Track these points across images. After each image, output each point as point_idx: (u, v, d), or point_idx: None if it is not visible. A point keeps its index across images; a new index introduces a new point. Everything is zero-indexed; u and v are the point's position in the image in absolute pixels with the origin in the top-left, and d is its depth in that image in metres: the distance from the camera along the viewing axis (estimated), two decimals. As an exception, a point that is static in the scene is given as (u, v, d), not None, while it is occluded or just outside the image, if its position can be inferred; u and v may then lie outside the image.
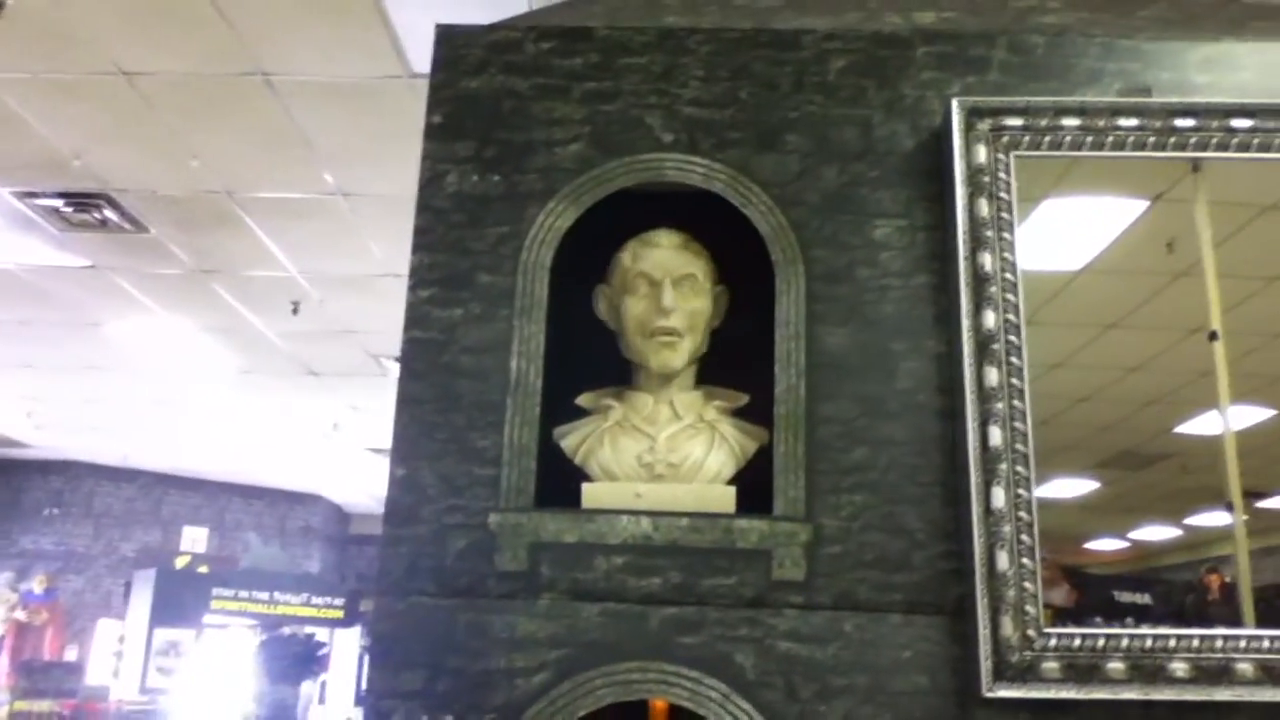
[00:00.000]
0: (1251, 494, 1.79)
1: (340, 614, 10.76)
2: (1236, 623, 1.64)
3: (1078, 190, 1.92)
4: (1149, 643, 1.57)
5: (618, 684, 1.58)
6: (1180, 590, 1.89)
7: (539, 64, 1.89)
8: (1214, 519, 1.82)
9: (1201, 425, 1.85)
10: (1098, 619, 1.66)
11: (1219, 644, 1.57)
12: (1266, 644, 1.57)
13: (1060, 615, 1.65)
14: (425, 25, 2.03)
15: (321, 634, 9.68)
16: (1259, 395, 1.81)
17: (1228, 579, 1.78)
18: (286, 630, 8.71)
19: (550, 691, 1.58)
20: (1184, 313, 1.89)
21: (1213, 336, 1.84)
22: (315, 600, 10.64)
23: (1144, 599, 1.85)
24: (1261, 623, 1.64)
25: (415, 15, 4.21)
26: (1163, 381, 2.00)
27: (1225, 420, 1.80)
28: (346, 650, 10.66)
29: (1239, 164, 1.81)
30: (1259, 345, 1.86)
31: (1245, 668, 1.56)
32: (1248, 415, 1.79)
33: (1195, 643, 1.57)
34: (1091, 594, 1.83)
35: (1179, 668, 1.56)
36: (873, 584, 1.63)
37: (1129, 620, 1.65)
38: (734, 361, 1.84)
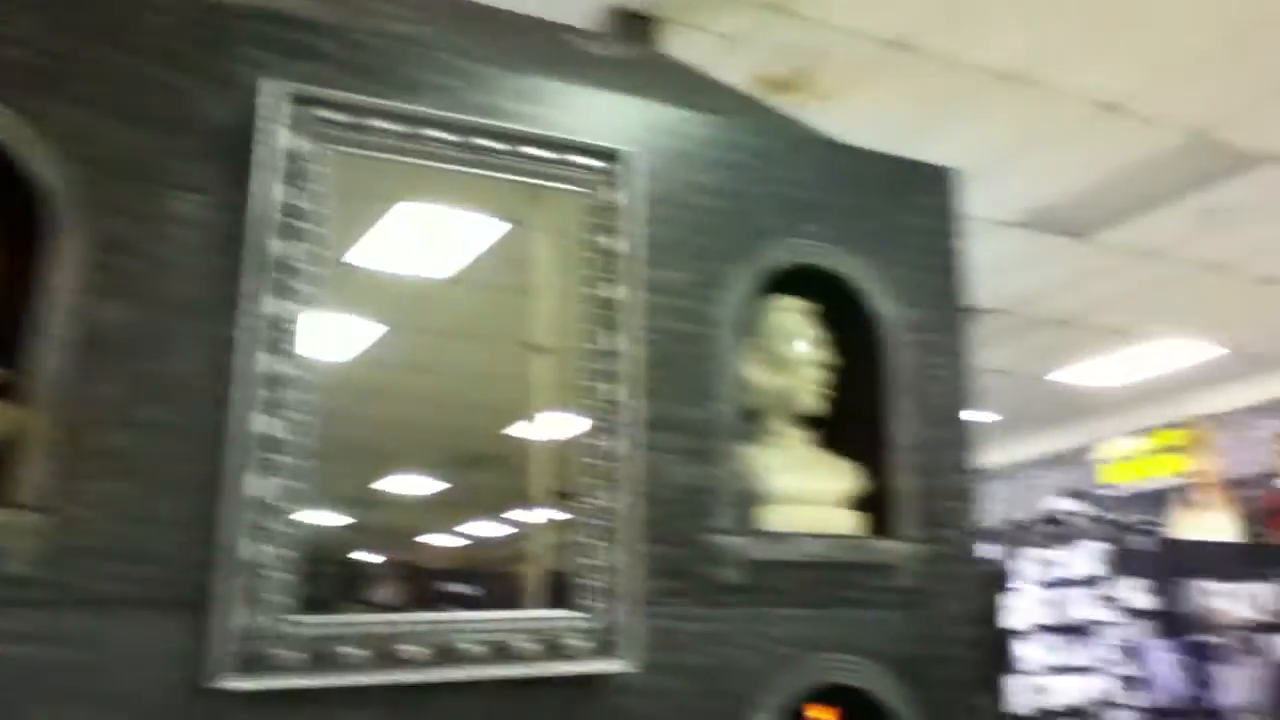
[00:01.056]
0: (566, 495, 1.98)
1: None
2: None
3: (441, 201, 2.00)
4: (387, 628, 1.64)
5: None
6: (502, 582, 2.04)
7: None
8: (532, 516, 1.99)
9: (528, 430, 2.01)
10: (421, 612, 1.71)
11: (451, 626, 1.69)
12: (493, 624, 1.72)
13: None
14: None
15: None
16: (572, 405, 1.98)
17: (537, 569, 1.95)
18: None
19: None
20: (524, 327, 2.04)
21: (540, 352, 2.01)
22: None
23: (472, 591, 1.97)
24: (546, 605, 1.85)
25: None
26: (503, 390, 2.14)
27: (541, 429, 1.97)
28: None
29: (571, 195, 2.00)
30: (572, 360, 2.03)
31: (474, 648, 1.69)
32: (565, 425, 1.97)
33: (429, 626, 1.67)
34: (421, 589, 1.91)
35: (416, 650, 1.65)
36: (117, 577, 1.53)
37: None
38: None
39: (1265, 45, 4.57)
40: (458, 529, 2.06)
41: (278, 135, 1.68)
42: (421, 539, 2.02)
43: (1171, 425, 10.27)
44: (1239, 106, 5.13)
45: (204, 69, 1.73)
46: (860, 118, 4.64)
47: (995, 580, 4.93)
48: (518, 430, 2.08)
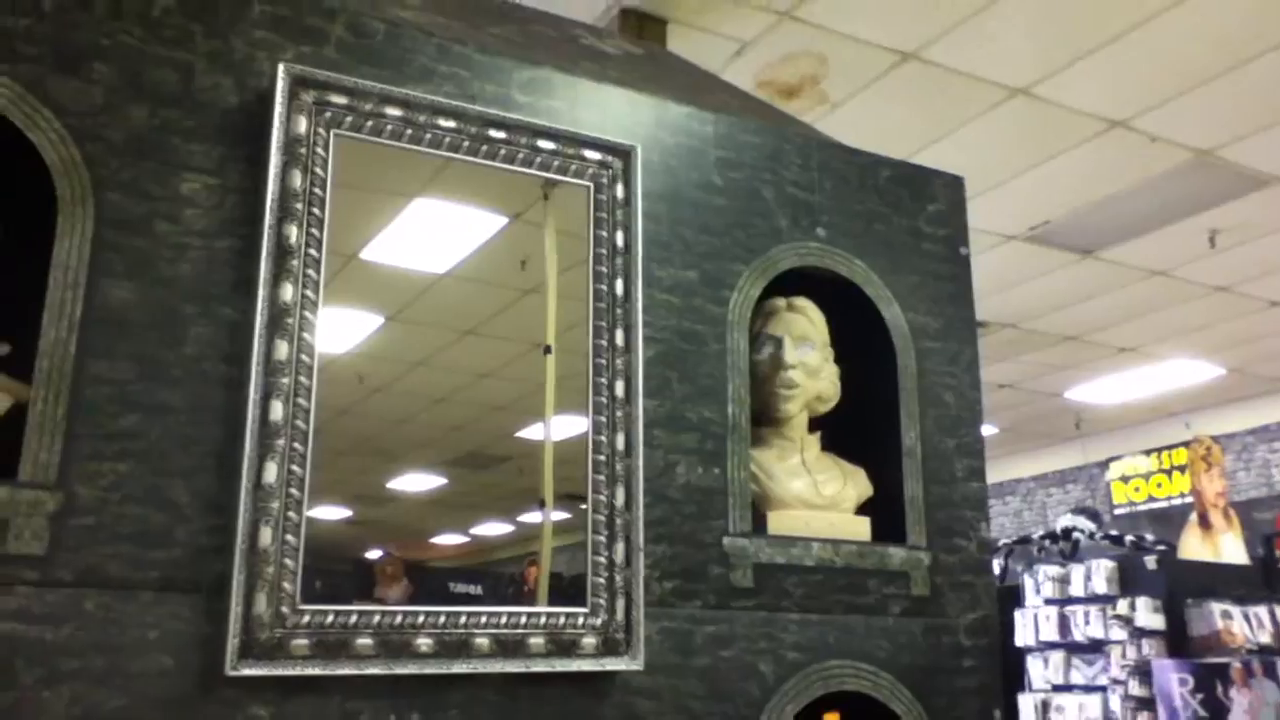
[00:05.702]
0: (572, 496, 1.94)
1: None
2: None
3: (446, 195, 1.98)
4: (398, 619, 1.61)
5: None
6: (506, 581, 2.01)
7: None
8: (539, 517, 1.94)
9: (537, 431, 1.97)
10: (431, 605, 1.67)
11: (462, 619, 1.66)
12: (504, 619, 1.69)
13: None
14: None
15: None
16: (582, 408, 1.95)
17: (546, 567, 1.91)
18: None
19: None
20: (529, 327, 2.01)
21: (546, 350, 1.98)
22: None
23: (475, 590, 1.93)
24: (555, 603, 1.80)
25: None
26: (508, 389, 2.11)
27: (548, 428, 1.94)
28: None
29: (580, 198, 1.97)
30: (579, 358, 2.00)
31: (483, 643, 1.66)
32: (570, 425, 1.93)
33: (441, 619, 1.64)
34: (428, 587, 1.88)
35: (426, 643, 1.62)
36: (126, 559, 1.51)
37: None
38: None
39: (1271, 67, 4.55)
40: (467, 527, 2.02)
41: (294, 120, 1.67)
42: (432, 536, 1.99)
43: (1177, 445, 10.22)
44: (1246, 127, 5.11)
45: (216, 51, 1.72)
46: (865, 126, 4.64)
47: (1006, 595, 4.87)
48: (526, 429, 2.05)
